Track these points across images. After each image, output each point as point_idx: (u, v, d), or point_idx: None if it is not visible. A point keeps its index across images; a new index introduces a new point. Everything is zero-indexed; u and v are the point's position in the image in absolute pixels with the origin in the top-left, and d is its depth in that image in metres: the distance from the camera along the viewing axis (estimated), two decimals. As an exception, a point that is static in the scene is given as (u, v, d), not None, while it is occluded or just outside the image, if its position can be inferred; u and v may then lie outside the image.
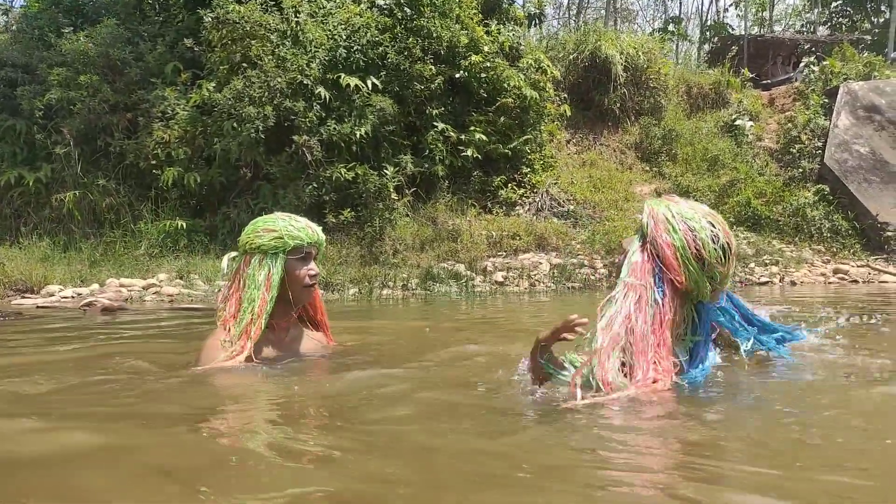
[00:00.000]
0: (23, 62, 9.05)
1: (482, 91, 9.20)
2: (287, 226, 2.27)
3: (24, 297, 6.27)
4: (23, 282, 6.68)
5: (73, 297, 6.25)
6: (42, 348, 2.99)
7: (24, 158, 8.95)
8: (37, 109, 8.59)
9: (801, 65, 14.02)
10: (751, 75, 13.97)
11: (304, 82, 7.98)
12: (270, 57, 7.95)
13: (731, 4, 27.21)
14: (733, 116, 12.12)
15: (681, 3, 27.61)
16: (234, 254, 2.38)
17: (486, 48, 9.12)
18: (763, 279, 7.78)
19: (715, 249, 1.75)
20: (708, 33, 22.72)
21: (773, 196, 9.96)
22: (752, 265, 8.20)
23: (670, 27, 21.91)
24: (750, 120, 12.04)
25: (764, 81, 14.72)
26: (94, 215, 8.39)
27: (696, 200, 8.43)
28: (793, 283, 7.74)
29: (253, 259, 2.26)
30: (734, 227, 9.67)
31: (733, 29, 22.92)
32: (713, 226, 1.79)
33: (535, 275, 7.53)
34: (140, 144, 8.36)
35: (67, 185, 8.58)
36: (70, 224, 8.44)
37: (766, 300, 5.37)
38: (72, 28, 9.24)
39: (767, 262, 8.40)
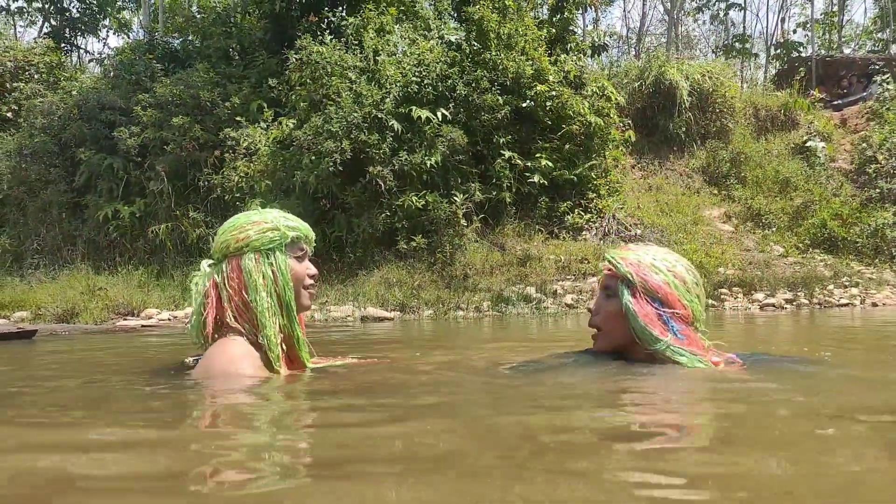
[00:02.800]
0: (120, 105, 9.83)
1: (547, 119, 9.41)
2: (280, 217, 1.94)
3: (125, 320, 6.77)
4: (124, 306, 7.22)
5: (169, 319, 6.71)
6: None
7: (120, 194, 9.67)
8: (132, 148, 9.30)
9: (875, 84, 13.68)
10: (821, 96, 13.72)
11: (379, 116, 8.38)
12: (348, 93, 8.40)
13: (797, 26, 26.69)
14: (804, 138, 11.92)
15: (744, 26, 27.21)
16: (208, 262, 1.97)
17: (551, 77, 9.36)
18: (843, 301, 7.60)
19: (693, 278, 1.88)
20: (775, 50, 22.34)
21: (850, 217, 9.72)
22: (831, 287, 8.01)
23: (736, 44, 21.67)
24: (822, 141, 11.82)
25: (835, 102, 14.39)
26: (184, 245, 8.96)
27: (770, 223, 8.39)
28: (874, 305, 7.53)
29: (243, 260, 1.87)
30: (810, 249, 9.49)
31: (800, 50, 22.48)
32: (677, 260, 1.91)
33: (605, 297, 7.59)
34: (226, 178, 8.92)
35: (160, 218, 9.21)
36: (162, 254, 9.04)
37: (844, 323, 5.29)
38: (164, 73, 10.02)
39: (847, 284, 8.19)
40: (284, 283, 1.89)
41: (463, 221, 8.41)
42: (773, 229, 9.99)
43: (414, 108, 8.60)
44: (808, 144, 11.69)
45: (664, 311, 1.81)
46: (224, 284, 1.88)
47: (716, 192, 11.11)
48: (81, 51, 19.83)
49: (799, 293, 7.82)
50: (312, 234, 2.03)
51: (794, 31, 27.23)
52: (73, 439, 1.29)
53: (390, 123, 8.44)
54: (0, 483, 0.98)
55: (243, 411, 1.55)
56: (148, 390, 1.87)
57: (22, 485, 0.98)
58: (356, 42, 9.07)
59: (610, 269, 1.91)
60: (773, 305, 7.42)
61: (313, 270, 2.00)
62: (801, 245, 9.60)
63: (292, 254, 1.94)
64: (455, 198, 8.45)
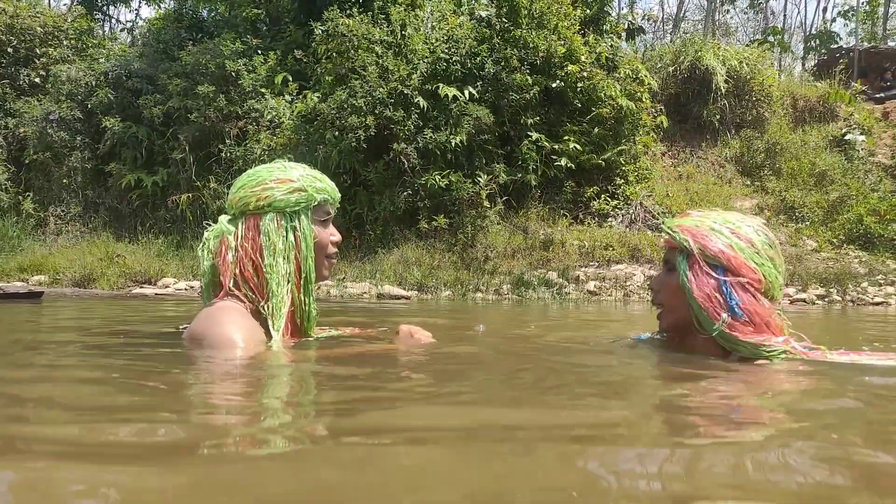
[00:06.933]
0: (147, 74, 9.79)
1: (577, 101, 9.15)
2: (307, 176, 1.79)
3: (142, 287, 6.75)
4: (142, 274, 7.20)
5: (186, 289, 6.67)
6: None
7: (144, 163, 9.65)
8: (157, 117, 9.26)
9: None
10: (862, 88, 13.23)
11: (405, 92, 8.22)
12: (374, 67, 8.24)
13: (837, 15, 25.86)
14: (843, 130, 11.51)
15: (784, 15, 26.45)
16: (226, 217, 1.80)
17: (583, 58, 9.09)
18: (877, 300, 7.31)
19: (763, 239, 1.68)
20: (814, 43, 21.65)
21: (888, 213, 9.35)
22: (865, 284, 7.72)
23: (769, 38, 21.01)
24: (862, 134, 11.39)
25: (877, 95, 13.87)
26: (204, 216, 8.91)
27: (804, 216, 8.05)
28: (911, 305, 7.23)
29: (264, 220, 1.71)
30: (845, 244, 9.17)
31: (838, 41, 21.75)
32: (742, 220, 1.71)
33: (628, 286, 7.40)
34: (248, 151, 8.85)
35: (181, 188, 9.18)
36: (183, 224, 9.02)
37: (878, 321, 5.05)
38: (192, 42, 9.94)
39: (882, 282, 7.88)
40: (307, 249, 1.76)
41: (486, 203, 8.24)
42: (807, 223, 9.67)
43: (441, 85, 8.41)
44: (846, 137, 11.28)
45: (726, 280, 1.60)
46: (238, 245, 1.72)
47: (748, 182, 10.78)
48: (113, 20, 19.89)
49: (831, 289, 7.54)
50: (338, 195, 1.89)
51: (834, 20, 26.42)
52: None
53: (416, 100, 8.27)
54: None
55: (234, 380, 1.43)
56: (127, 354, 1.76)
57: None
58: (383, 16, 8.88)
59: (668, 241, 1.73)
60: (804, 301, 7.17)
61: (337, 237, 1.87)
62: (835, 240, 9.28)
63: (317, 217, 1.80)
64: (479, 178, 8.27)
